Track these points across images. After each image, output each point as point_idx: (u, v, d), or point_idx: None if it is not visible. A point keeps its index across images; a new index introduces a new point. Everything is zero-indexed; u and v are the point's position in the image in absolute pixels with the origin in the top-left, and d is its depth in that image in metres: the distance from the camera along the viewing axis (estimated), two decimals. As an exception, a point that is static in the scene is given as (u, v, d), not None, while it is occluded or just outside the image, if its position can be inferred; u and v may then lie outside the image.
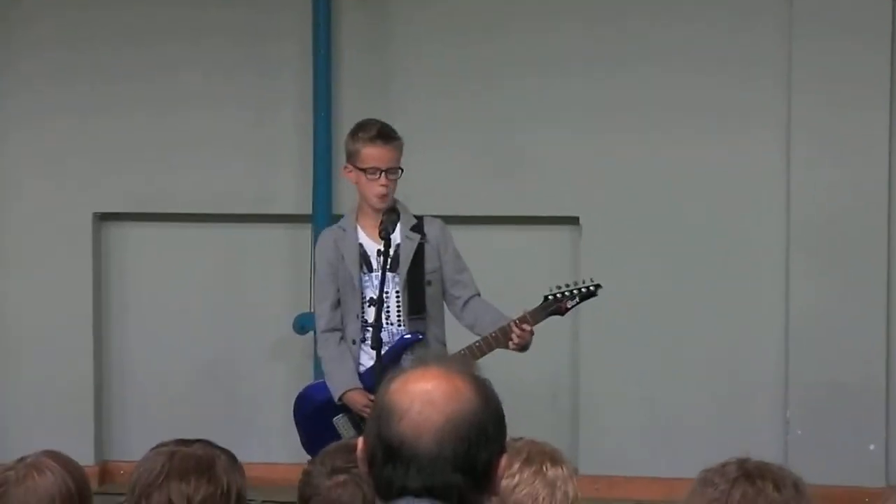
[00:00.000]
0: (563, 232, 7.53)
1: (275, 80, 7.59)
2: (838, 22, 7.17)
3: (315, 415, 5.51)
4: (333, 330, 5.44)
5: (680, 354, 7.36)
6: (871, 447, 7.16)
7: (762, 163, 7.32)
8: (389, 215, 5.32)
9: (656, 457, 7.32)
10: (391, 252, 5.32)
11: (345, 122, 7.43)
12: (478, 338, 5.37)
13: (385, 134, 5.40)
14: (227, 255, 7.74)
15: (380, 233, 5.27)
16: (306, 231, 7.49)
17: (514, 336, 5.28)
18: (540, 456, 3.08)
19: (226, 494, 3.02)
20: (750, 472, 2.70)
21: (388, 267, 5.26)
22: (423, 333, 5.39)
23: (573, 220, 7.47)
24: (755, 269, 7.35)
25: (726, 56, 7.30)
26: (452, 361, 2.32)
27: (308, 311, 7.38)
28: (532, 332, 5.33)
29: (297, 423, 5.68)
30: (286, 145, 7.61)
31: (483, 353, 5.30)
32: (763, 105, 7.29)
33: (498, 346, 5.33)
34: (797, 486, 2.70)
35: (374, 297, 5.35)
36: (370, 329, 5.23)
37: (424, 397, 2.22)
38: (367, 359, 5.37)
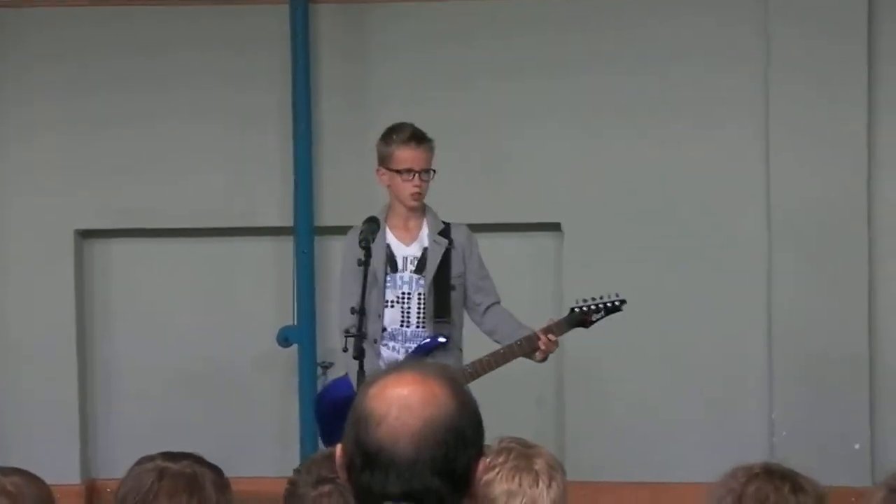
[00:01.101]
0: (545, 238, 7.54)
1: (254, 91, 7.59)
2: (815, 16, 7.22)
3: (336, 410, 5.58)
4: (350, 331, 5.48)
5: (664, 358, 7.37)
6: (857, 446, 7.17)
7: (742, 160, 7.34)
8: (369, 224, 5.38)
9: (643, 461, 7.33)
10: (419, 255, 5.53)
11: (324, 133, 7.46)
12: (499, 345, 5.51)
13: (418, 136, 5.57)
14: (211, 269, 7.73)
15: (360, 242, 5.31)
16: (289, 243, 7.49)
17: (540, 345, 5.43)
18: (533, 473, 3.04)
19: None
20: (772, 471, 2.75)
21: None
22: (447, 337, 5.51)
23: (555, 227, 7.48)
24: (737, 269, 7.36)
25: (703, 53, 7.33)
26: (429, 366, 2.32)
27: (291, 323, 7.37)
28: (557, 343, 5.48)
29: (318, 418, 5.82)
30: (267, 157, 7.60)
31: (506, 360, 5.47)
32: (741, 101, 7.32)
33: (522, 354, 5.49)
34: (821, 499, 2.73)
35: (393, 299, 5.48)
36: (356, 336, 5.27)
37: (401, 402, 2.22)
38: (385, 358, 5.46)
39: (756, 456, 3.02)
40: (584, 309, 5.61)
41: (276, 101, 7.54)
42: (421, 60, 7.49)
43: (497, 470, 2.97)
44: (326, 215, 7.48)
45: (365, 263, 5.29)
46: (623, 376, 7.40)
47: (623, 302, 5.66)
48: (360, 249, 5.39)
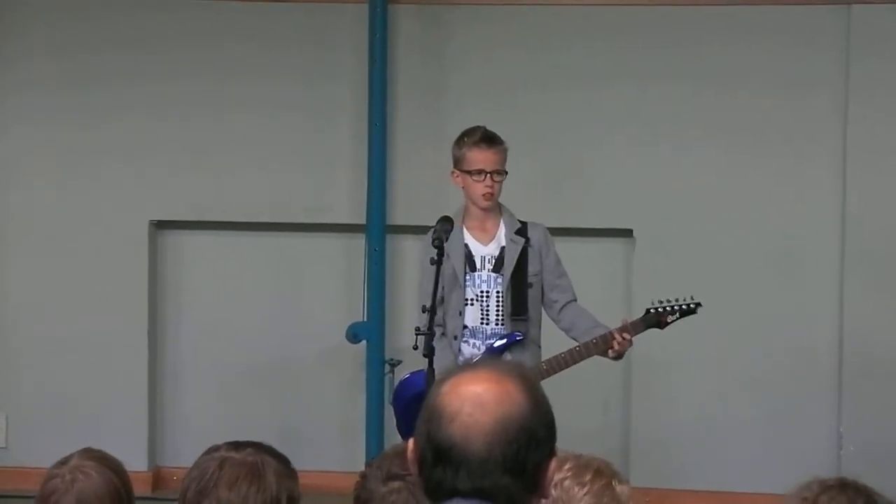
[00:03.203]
0: (616, 244, 7.53)
1: (330, 88, 7.63)
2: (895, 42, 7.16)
3: (413, 403, 5.63)
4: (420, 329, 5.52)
5: (733, 368, 7.34)
6: (925, 464, 7.13)
7: (818, 181, 7.30)
8: (442, 224, 5.42)
9: (708, 470, 7.30)
10: (496, 254, 5.61)
11: (399, 132, 7.49)
12: (575, 343, 5.56)
13: (489, 137, 5.66)
14: (282, 263, 7.77)
15: (433, 241, 5.34)
16: (360, 241, 7.52)
17: (614, 344, 5.48)
18: (609, 470, 3.17)
19: (275, 500, 3.03)
20: (846, 485, 2.75)
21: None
22: (522, 334, 5.57)
23: (627, 233, 7.47)
24: (809, 286, 7.32)
25: (783, 76, 7.29)
26: (503, 364, 2.33)
27: (360, 320, 7.41)
28: (631, 343, 5.53)
29: (395, 409, 5.89)
30: (341, 154, 7.64)
31: (582, 358, 5.53)
32: (819, 125, 7.28)
33: (597, 352, 5.55)
34: None
35: (473, 297, 5.57)
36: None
37: (475, 400, 2.23)
38: (466, 355, 5.55)
39: (823, 469, 3.02)
40: (660, 310, 5.65)
41: (352, 99, 7.57)
42: (498, 63, 7.49)
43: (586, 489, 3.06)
44: (398, 214, 7.51)
45: (437, 262, 5.32)
46: (690, 385, 7.38)
47: (699, 305, 5.69)
48: (432, 248, 5.44)
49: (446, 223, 5.44)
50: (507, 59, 7.49)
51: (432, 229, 5.63)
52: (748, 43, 7.32)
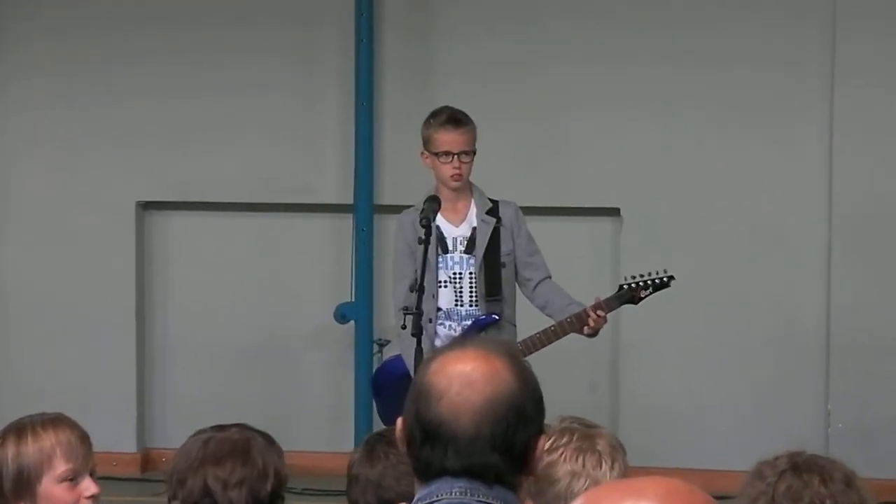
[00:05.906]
0: (603, 223, 7.53)
1: (317, 68, 7.61)
2: (882, 16, 7.16)
3: (393, 387, 5.63)
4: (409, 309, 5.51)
5: (720, 346, 7.34)
6: (913, 440, 7.15)
7: (804, 158, 7.31)
8: (430, 203, 5.40)
9: (696, 449, 7.31)
10: (468, 235, 5.56)
11: (386, 111, 7.47)
12: (551, 322, 5.53)
13: (455, 119, 5.59)
14: (269, 244, 7.76)
15: (420, 221, 5.33)
16: (348, 221, 7.51)
17: (589, 322, 5.46)
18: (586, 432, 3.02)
19: (262, 474, 3.04)
20: (798, 466, 2.69)
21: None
22: (498, 315, 5.54)
23: (614, 212, 7.47)
24: (797, 263, 7.33)
25: (770, 51, 7.28)
26: (491, 342, 2.32)
27: (348, 300, 7.40)
28: (606, 320, 5.51)
29: (376, 394, 5.90)
30: (328, 134, 7.63)
31: (557, 337, 5.50)
32: (806, 100, 7.28)
33: (572, 331, 5.52)
34: (848, 481, 2.70)
35: (446, 279, 5.54)
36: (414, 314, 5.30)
37: (463, 379, 2.22)
38: (442, 337, 5.51)
39: (811, 446, 2.98)
40: (633, 286, 5.63)
41: (338, 79, 7.56)
42: (483, 41, 7.48)
43: (560, 451, 2.92)
44: (386, 193, 7.50)
45: (425, 242, 5.31)
46: (678, 364, 7.38)
47: (671, 278, 5.65)
48: (418, 228, 5.42)
49: (433, 203, 5.42)
50: (492, 37, 7.47)
51: (405, 211, 5.65)
52: (736, 20, 7.31)
